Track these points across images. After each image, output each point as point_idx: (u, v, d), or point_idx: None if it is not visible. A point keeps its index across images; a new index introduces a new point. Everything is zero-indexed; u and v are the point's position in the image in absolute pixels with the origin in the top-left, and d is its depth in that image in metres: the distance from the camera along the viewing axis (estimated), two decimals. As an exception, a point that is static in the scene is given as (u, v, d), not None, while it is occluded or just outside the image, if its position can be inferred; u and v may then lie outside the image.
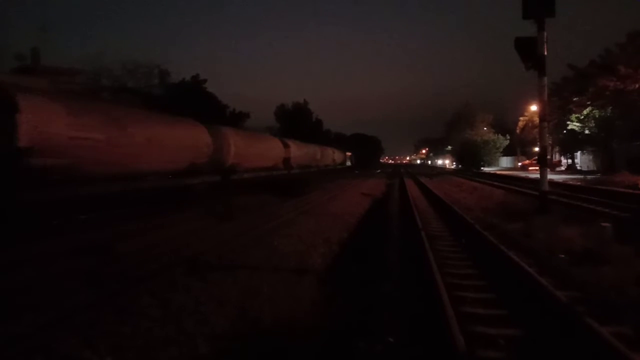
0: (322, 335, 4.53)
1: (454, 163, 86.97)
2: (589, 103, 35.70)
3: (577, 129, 39.00)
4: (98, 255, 7.21)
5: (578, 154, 49.68)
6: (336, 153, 53.99)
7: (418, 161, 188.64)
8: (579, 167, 47.41)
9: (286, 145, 29.55)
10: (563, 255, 7.37)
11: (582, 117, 37.43)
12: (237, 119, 36.57)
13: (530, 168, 49.18)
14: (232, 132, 20.43)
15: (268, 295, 5.52)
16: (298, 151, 32.11)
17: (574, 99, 37.26)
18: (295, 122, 54.68)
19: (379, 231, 11.05)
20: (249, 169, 21.81)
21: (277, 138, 29.11)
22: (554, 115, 37.99)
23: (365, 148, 73.42)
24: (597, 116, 36.47)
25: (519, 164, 61.17)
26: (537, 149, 27.41)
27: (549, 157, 54.52)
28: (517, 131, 63.34)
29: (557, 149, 52.95)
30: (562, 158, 55.85)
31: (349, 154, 66.25)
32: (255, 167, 22.86)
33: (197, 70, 56.12)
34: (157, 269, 6.57)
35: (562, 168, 50.87)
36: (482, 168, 61.16)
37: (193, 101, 28.02)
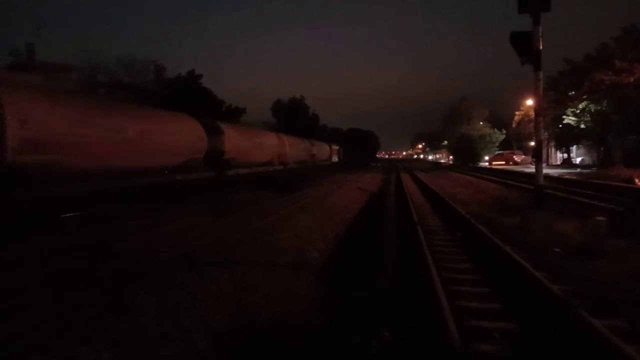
0: (319, 330, 4.56)
1: (450, 157, 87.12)
2: (584, 97, 35.71)
3: (572, 123, 39.02)
4: (95, 252, 7.20)
5: (574, 148, 49.84)
6: (317, 146, 43.52)
7: (414, 156, 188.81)
8: (574, 161, 47.85)
9: (214, 132, 18.55)
10: (558, 249, 7.41)
11: (578, 111, 37.45)
12: (233, 114, 36.44)
13: (494, 163, 52.05)
14: (26, 96, 9.56)
15: (265, 290, 5.54)
16: (242, 142, 21.45)
17: (570, 93, 37.26)
18: (292, 117, 54.52)
19: (376, 227, 11.07)
20: (103, 170, 11.56)
21: (195, 119, 17.49)
22: (549, 109, 38.02)
23: (362, 143, 72.74)
24: (592, 110, 36.52)
25: (486, 158, 60.66)
26: (532, 143, 27.54)
27: (509, 152, 56.35)
28: (513, 126, 63.34)
29: (553, 143, 53.06)
30: (559, 152, 56.18)
31: (336, 147, 57.14)
32: (127, 167, 12.47)
33: (193, 65, 55.75)
34: (154, 266, 6.57)
35: (558, 162, 51.22)
36: (479, 163, 61.33)
37: (189, 96, 27.91)
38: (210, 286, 5.56)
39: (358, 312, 4.96)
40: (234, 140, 20.40)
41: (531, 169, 28.72)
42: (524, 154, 62.90)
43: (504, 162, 50.80)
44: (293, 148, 32.12)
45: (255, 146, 23.90)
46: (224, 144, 19.22)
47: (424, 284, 5.60)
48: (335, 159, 55.69)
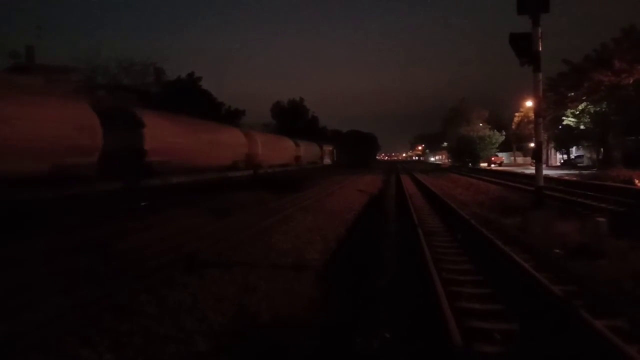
0: (320, 331, 4.55)
1: (449, 159, 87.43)
2: (584, 98, 35.76)
3: (572, 124, 39.09)
4: (96, 253, 7.20)
5: (574, 149, 49.95)
6: (304, 147, 36.90)
7: (414, 157, 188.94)
8: (572, 157, 48.36)
9: (123, 122, 13.07)
10: (559, 250, 7.41)
11: (578, 112, 37.52)
12: (233, 116, 36.45)
13: (481, 165, 61.62)
14: None
15: (266, 291, 5.53)
16: (178, 138, 15.62)
17: (570, 94, 37.31)
18: (292, 119, 54.58)
19: (376, 228, 11.07)
20: None
21: (82, 99, 12.08)
22: (549, 110, 38.06)
23: (360, 145, 72.43)
24: (592, 111, 36.58)
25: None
26: (532, 144, 27.70)
27: (492, 155, 63.09)
28: (513, 127, 63.48)
29: (552, 144, 53.13)
30: (558, 153, 56.36)
31: (328, 148, 52.65)
32: None
33: (192, 67, 55.74)
34: (155, 267, 6.57)
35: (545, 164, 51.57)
36: (480, 164, 61.70)
37: (188, 99, 27.94)
38: (211, 287, 5.56)
39: (359, 312, 4.96)
40: (163, 136, 14.36)
41: (531, 170, 28.81)
42: (524, 155, 64.16)
43: (487, 164, 61.08)
44: (269, 148, 26.33)
45: (204, 145, 17.73)
46: (144, 141, 13.38)
47: (424, 284, 5.60)
48: (327, 161, 50.79)
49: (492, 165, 58.15)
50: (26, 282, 5.74)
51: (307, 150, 38.34)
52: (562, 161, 51.52)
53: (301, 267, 6.86)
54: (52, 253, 7.25)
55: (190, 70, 34.17)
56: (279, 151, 29.55)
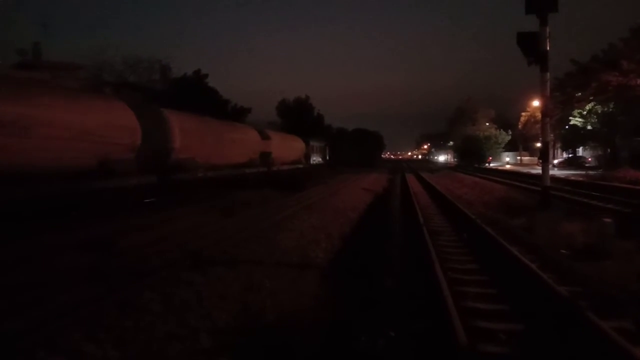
0: (324, 330, 4.55)
1: (455, 159, 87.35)
2: (591, 98, 35.52)
3: (579, 124, 38.90)
4: (100, 250, 7.22)
5: (580, 149, 49.63)
6: (278, 141, 26.94)
7: (419, 157, 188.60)
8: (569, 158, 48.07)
9: None
10: (565, 251, 7.37)
11: (585, 112, 37.31)
12: (239, 114, 36.46)
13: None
14: None
15: (270, 289, 5.53)
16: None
17: (577, 95, 37.07)
18: (297, 117, 54.46)
19: (381, 226, 11.05)
20: None
21: None
22: (556, 110, 37.81)
23: (366, 144, 71.83)
24: (599, 112, 36.38)
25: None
26: (539, 144, 27.58)
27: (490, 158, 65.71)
28: (519, 126, 63.23)
29: (559, 144, 52.82)
30: (565, 153, 55.86)
31: (317, 144, 45.29)
32: None
33: (198, 64, 55.79)
34: (160, 264, 6.58)
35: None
36: (487, 164, 61.47)
37: (195, 96, 27.96)
38: (216, 285, 5.56)
39: (364, 311, 4.95)
40: None
41: (537, 170, 28.70)
42: (530, 155, 63.99)
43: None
44: (202, 140, 16.91)
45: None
46: None
47: (430, 284, 5.58)
48: (316, 159, 43.34)
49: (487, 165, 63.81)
50: (31, 279, 5.77)
51: (282, 146, 27.74)
52: (554, 163, 46.20)
53: (306, 266, 6.85)
54: (58, 250, 7.27)
55: (196, 68, 34.22)
56: (226, 146, 19.12)
